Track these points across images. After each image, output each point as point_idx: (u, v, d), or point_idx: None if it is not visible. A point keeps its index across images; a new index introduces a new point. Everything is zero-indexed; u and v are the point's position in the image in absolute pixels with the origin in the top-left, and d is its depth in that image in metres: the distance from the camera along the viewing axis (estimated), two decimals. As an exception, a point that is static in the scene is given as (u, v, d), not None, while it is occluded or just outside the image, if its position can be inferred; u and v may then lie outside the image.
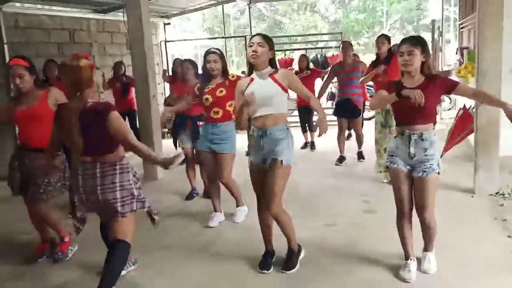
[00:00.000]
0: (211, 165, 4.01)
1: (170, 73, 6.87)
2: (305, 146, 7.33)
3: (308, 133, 7.28)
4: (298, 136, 6.94)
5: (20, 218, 3.89)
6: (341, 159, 6.19)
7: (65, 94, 4.11)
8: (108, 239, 2.90)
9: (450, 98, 9.73)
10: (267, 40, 3.02)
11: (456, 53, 8.94)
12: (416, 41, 2.82)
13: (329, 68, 7.99)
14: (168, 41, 9.91)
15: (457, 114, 5.78)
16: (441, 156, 4.89)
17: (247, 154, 3.29)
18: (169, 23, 9.81)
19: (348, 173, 5.73)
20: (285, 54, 9.89)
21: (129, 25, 5.70)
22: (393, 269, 3.09)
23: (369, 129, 6.22)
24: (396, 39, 29.18)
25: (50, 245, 3.58)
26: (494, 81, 4.24)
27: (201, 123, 4.60)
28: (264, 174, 3.01)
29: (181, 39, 12.14)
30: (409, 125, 2.84)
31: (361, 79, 5.65)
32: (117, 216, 2.72)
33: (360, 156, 6.28)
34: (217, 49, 4.00)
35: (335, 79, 6.43)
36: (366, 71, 5.60)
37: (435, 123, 2.90)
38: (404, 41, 2.87)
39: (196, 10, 10.10)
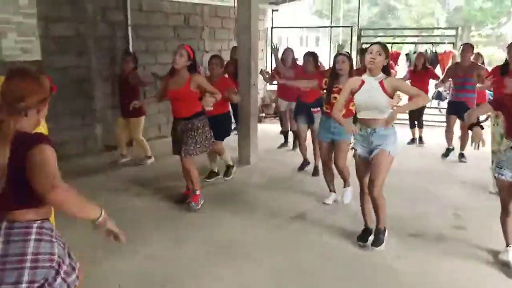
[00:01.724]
0: (329, 154, 4.54)
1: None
2: (412, 141, 7.42)
3: (417, 129, 7.38)
4: (406, 132, 7.35)
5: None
6: (448, 151, 6.46)
7: (224, 86, 4.98)
8: None
9: None
10: (385, 49, 3.36)
11: None
12: None
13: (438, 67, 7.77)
14: (274, 27, 10.11)
15: None
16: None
17: (353, 148, 3.65)
18: (277, 10, 9.97)
19: (445, 179, 5.54)
20: (391, 47, 9.51)
21: (238, 14, 5.97)
22: (473, 293, 3.01)
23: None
24: (525, 32, 26.31)
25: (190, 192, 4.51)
26: None
27: (315, 109, 5.37)
28: (369, 163, 3.45)
29: (287, 26, 12.22)
30: None
31: (479, 85, 5.58)
32: None
33: (462, 156, 6.30)
34: (347, 52, 4.51)
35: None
36: (486, 75, 5.34)
37: None
38: None
39: (305, -3, 10.12)
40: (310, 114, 5.46)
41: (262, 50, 9.46)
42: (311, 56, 5.41)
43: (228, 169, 5.45)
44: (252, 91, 6.01)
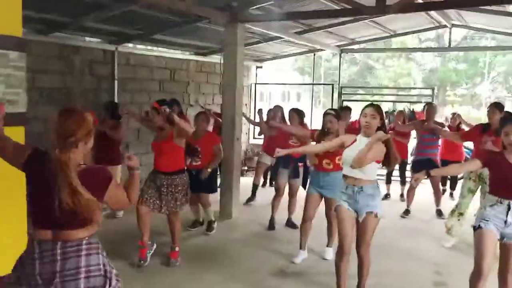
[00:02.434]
0: (316, 207, 4.47)
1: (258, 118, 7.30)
2: (385, 197, 7.43)
3: (396, 185, 7.54)
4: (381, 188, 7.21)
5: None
6: (407, 212, 6.47)
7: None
8: None
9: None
10: (379, 111, 3.42)
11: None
12: None
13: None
14: (258, 83, 10.42)
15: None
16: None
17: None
18: (261, 67, 10.32)
19: (424, 235, 5.56)
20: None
21: (224, 70, 6.17)
22: None
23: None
24: (498, 92, 27.55)
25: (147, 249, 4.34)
26: None
27: (300, 164, 5.50)
28: (354, 220, 3.44)
29: (270, 82, 12.63)
30: (507, 197, 3.04)
31: (446, 133, 5.98)
32: None
33: (440, 213, 6.36)
34: (334, 109, 4.51)
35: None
36: (470, 133, 5.55)
37: None
38: (508, 122, 3.12)
39: (288, 56, 10.54)
40: (296, 168, 5.55)
41: (246, 105, 9.68)
42: (296, 113, 5.54)
43: (210, 224, 5.46)
44: (236, 145, 6.08)
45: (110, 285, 2.10)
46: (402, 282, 4.11)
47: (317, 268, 4.40)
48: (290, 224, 5.71)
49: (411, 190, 6.40)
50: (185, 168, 4.46)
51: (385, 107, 10.36)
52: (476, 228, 3.12)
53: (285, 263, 4.50)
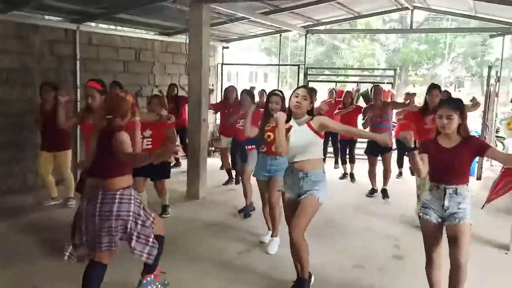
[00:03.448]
0: (266, 192, 4.47)
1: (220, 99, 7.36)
2: (344, 176, 7.65)
3: (348, 164, 7.63)
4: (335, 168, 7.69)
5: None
6: (373, 191, 6.59)
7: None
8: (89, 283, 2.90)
9: (503, 144, 9.44)
10: (311, 93, 3.40)
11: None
12: (454, 106, 3.03)
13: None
14: (224, 64, 10.37)
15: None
16: (483, 207, 4.89)
17: (280, 190, 3.58)
18: (227, 47, 10.26)
19: (381, 214, 5.77)
20: (336, 85, 10.04)
21: (189, 51, 6.13)
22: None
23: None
24: (458, 72, 28.36)
25: None
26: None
27: (249, 147, 5.35)
28: (297, 206, 3.31)
29: (237, 62, 12.58)
30: (442, 181, 3.02)
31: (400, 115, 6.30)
32: (111, 247, 2.85)
33: (385, 194, 6.44)
34: (280, 91, 4.34)
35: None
36: (407, 114, 5.78)
37: (467, 182, 3.04)
38: (443, 104, 3.08)
39: (254, 36, 10.51)
40: (243, 152, 5.43)
41: (213, 85, 9.63)
42: (247, 94, 5.52)
43: (164, 208, 5.32)
44: (202, 126, 6.10)
45: (133, 227, 2.86)
46: (363, 255, 4.29)
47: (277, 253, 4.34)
48: (243, 210, 5.51)
49: (373, 169, 6.55)
50: None
51: (349, 87, 10.58)
52: (419, 217, 3.15)
53: (253, 243, 4.58)
